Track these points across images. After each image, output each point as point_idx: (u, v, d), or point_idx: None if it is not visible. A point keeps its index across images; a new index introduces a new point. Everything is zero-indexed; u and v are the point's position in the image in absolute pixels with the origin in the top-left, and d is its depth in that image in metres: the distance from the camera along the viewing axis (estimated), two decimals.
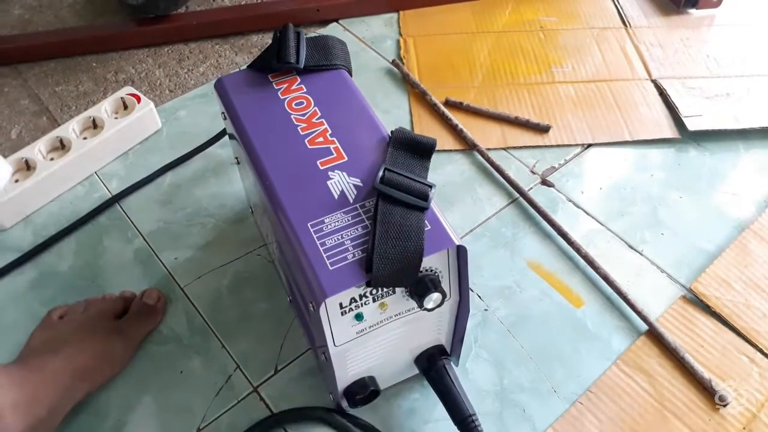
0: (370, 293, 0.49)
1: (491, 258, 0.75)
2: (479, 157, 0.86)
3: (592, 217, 0.79)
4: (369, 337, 0.53)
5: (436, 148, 0.54)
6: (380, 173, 0.50)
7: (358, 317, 0.50)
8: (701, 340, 0.67)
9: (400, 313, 0.52)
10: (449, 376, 0.58)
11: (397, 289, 0.50)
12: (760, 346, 0.66)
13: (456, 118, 0.90)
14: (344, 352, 0.52)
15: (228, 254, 0.76)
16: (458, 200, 0.81)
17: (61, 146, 0.83)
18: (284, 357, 0.67)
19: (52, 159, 0.82)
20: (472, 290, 0.72)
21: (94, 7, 1.13)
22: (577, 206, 0.81)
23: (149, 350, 0.68)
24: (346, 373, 0.56)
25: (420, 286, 0.48)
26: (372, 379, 0.59)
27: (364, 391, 0.58)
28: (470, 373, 0.66)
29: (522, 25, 1.07)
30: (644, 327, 0.68)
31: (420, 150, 0.54)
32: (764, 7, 1.09)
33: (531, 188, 0.83)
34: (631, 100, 0.93)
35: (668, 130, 0.89)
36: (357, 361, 0.55)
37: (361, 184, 0.52)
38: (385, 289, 0.49)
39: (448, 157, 0.86)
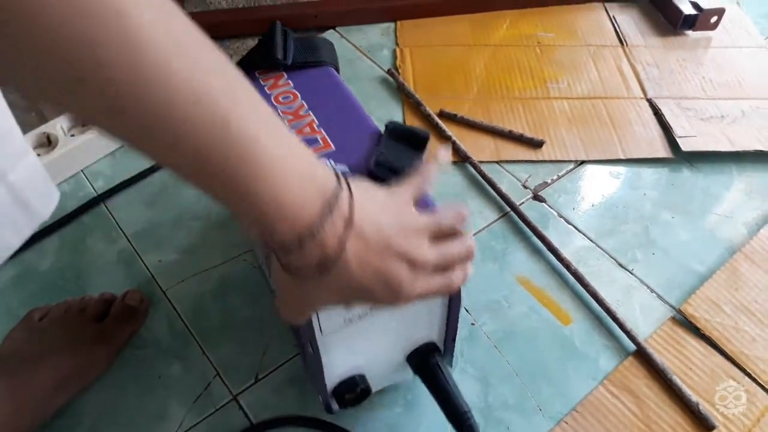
0: None
1: (480, 272, 0.74)
2: (472, 169, 0.85)
3: (583, 234, 0.79)
4: (357, 328, 0.51)
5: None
6: (374, 158, 0.50)
7: None
8: (690, 363, 0.67)
9: None
10: (443, 372, 0.56)
11: None
12: (749, 370, 0.66)
13: (450, 129, 0.89)
14: (332, 344, 0.51)
15: (213, 258, 0.75)
16: None
17: (48, 143, 0.82)
18: (265, 365, 0.66)
19: (38, 155, 0.80)
20: None
21: None
22: (569, 222, 0.80)
23: (128, 354, 0.67)
24: (334, 370, 0.54)
25: None
26: (362, 377, 0.57)
27: (354, 389, 0.56)
28: None
29: (519, 39, 1.07)
30: (632, 347, 0.68)
31: (414, 141, 0.53)
32: (760, 30, 1.10)
33: (523, 203, 0.82)
34: (625, 119, 0.93)
35: (662, 150, 0.89)
36: (346, 356, 0.54)
37: (348, 172, 0.51)
38: None
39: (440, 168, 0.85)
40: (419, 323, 0.56)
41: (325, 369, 0.53)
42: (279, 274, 0.39)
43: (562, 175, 0.86)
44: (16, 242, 0.50)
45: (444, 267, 0.42)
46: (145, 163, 0.84)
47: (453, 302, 0.54)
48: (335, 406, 0.58)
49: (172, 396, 0.64)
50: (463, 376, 0.66)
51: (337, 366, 0.54)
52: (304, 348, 0.51)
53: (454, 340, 0.58)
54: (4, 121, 0.45)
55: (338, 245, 0.35)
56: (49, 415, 0.61)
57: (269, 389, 0.64)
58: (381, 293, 0.39)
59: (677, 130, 0.90)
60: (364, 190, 0.38)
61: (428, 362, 0.57)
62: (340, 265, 0.36)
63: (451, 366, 0.61)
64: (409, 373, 0.60)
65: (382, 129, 0.55)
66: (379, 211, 0.38)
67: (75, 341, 0.63)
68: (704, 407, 0.62)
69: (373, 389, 0.59)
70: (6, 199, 0.46)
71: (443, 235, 0.42)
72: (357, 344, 0.53)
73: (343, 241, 0.35)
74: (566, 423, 0.62)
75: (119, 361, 0.66)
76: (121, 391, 0.64)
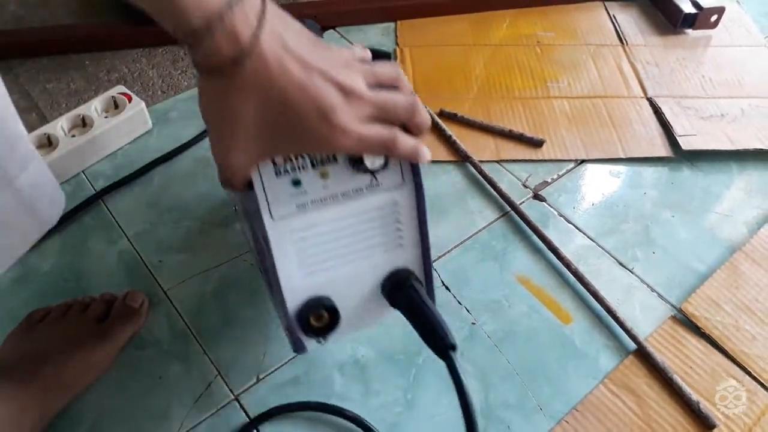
0: (306, 154, 0.46)
1: (480, 271, 0.74)
2: (472, 169, 0.86)
3: (584, 233, 0.79)
4: (313, 219, 0.48)
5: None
6: None
7: (296, 183, 0.47)
8: (690, 362, 0.67)
9: (347, 193, 0.49)
10: (417, 292, 0.51)
11: (339, 158, 0.47)
12: (749, 369, 0.66)
13: (450, 129, 0.89)
14: (286, 241, 0.48)
15: (214, 258, 0.75)
16: (449, 212, 0.80)
17: (48, 143, 0.82)
18: (266, 366, 0.66)
19: None
20: (459, 303, 0.71)
21: (89, 5, 1.12)
22: (569, 222, 0.80)
23: (128, 354, 0.67)
24: (295, 286, 0.50)
25: None
26: (328, 299, 0.51)
27: (320, 313, 0.51)
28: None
29: (519, 39, 1.07)
30: (633, 346, 0.68)
31: (375, 56, 0.51)
32: (760, 29, 1.10)
33: (523, 202, 0.82)
34: (625, 118, 0.93)
35: (662, 149, 0.89)
36: (306, 267, 0.50)
37: None
38: (323, 155, 0.47)
39: (440, 168, 0.86)
40: (388, 231, 0.52)
41: (282, 280, 0.49)
42: (202, 96, 0.38)
43: (562, 175, 0.86)
44: (23, 248, 0.50)
45: (385, 116, 0.41)
46: (145, 160, 0.85)
47: (419, 195, 0.50)
48: (303, 338, 0.52)
49: (173, 396, 0.64)
50: (463, 376, 0.65)
51: (297, 281, 0.50)
52: (261, 252, 0.48)
53: (429, 261, 0.54)
54: (12, 126, 0.45)
55: (251, 35, 0.35)
56: (50, 416, 0.61)
57: (270, 389, 0.64)
58: (313, 118, 0.38)
59: (677, 129, 0.90)
60: (287, 15, 0.38)
61: (403, 286, 0.52)
62: (256, 59, 0.36)
63: (434, 302, 0.54)
64: (386, 308, 0.54)
65: None
66: (302, 32, 0.38)
67: (76, 342, 0.63)
68: (705, 406, 0.62)
69: (348, 328, 0.54)
70: (13, 205, 0.46)
71: (381, 85, 0.42)
72: (317, 253, 0.50)
73: (256, 33, 0.35)
74: (567, 422, 0.62)
75: (120, 362, 0.66)
76: (122, 392, 0.64)
